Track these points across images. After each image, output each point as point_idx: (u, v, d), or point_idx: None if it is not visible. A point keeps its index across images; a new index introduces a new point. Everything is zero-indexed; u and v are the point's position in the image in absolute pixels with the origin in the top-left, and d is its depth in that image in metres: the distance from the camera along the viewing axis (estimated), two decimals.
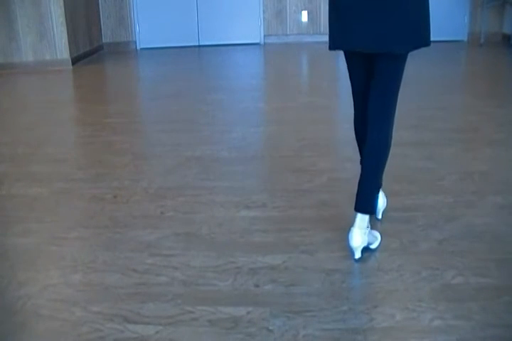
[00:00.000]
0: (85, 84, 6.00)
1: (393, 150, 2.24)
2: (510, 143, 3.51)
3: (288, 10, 8.09)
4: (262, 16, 8.11)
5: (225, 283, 2.04)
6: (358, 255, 2.17)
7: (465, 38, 7.92)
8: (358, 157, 2.40)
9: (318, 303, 1.89)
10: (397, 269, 2.09)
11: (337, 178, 3.00)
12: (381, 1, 2.00)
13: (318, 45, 7.77)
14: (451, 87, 5.29)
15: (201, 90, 5.36)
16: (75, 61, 6.86)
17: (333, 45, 2.17)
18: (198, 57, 7.65)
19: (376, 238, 2.26)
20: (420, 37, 2.08)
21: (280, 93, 5.22)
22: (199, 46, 8.18)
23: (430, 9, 2.12)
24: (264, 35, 8.19)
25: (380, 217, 2.49)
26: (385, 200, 2.51)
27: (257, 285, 2.01)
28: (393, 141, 2.22)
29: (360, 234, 2.14)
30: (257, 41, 8.19)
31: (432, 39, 2.15)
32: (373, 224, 2.27)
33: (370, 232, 2.20)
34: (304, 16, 8.10)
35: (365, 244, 2.17)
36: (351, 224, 2.15)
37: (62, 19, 6.55)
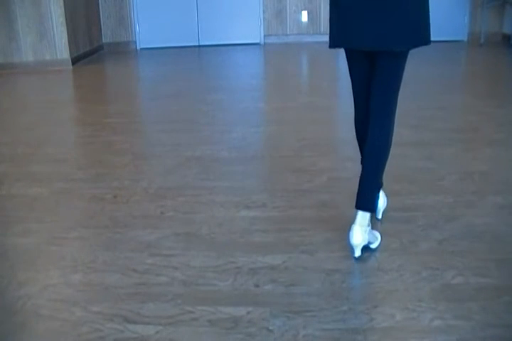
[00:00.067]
0: (85, 84, 6.00)
1: (393, 150, 2.24)
2: (510, 143, 3.51)
3: (288, 10, 8.09)
4: (262, 16, 8.11)
5: (225, 283, 2.04)
6: (357, 253, 2.17)
7: (465, 38, 7.92)
8: (358, 156, 2.40)
9: (318, 303, 1.89)
10: (397, 269, 2.09)
11: (337, 178, 3.00)
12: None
13: (318, 45, 7.77)
14: (451, 86, 5.29)
15: (201, 90, 5.36)
16: (75, 61, 6.87)
17: (334, 43, 2.18)
18: (198, 57, 7.66)
19: (376, 238, 2.26)
20: (420, 35, 2.09)
21: (280, 93, 5.22)
22: (199, 46, 8.18)
23: (430, 9, 2.12)
24: (264, 35, 8.19)
25: (380, 217, 2.49)
26: (386, 200, 2.51)
27: (257, 285, 2.01)
28: (393, 141, 2.22)
29: (361, 231, 2.14)
30: (257, 41, 8.19)
31: (432, 39, 2.15)
32: (373, 224, 2.27)
33: (370, 231, 2.20)
34: (304, 16, 8.11)
35: (365, 243, 2.17)
36: (352, 221, 2.16)
37: (62, 19, 6.55)
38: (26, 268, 2.19)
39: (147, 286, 2.03)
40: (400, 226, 2.42)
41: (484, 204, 2.63)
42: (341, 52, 2.24)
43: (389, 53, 2.09)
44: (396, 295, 1.94)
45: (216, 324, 1.80)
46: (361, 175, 2.21)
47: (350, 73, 2.28)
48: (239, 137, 3.81)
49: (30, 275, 2.13)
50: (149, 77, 6.45)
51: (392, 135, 2.20)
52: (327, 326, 1.77)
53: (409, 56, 2.14)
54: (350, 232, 2.15)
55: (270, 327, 1.78)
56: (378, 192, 2.31)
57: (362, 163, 2.29)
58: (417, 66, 5.66)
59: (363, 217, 2.16)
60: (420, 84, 5.18)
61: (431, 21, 2.13)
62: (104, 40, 8.09)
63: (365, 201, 2.18)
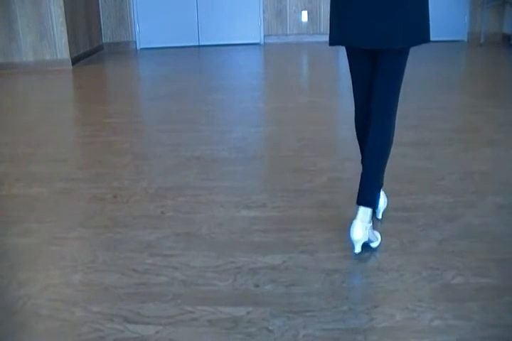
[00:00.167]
0: (85, 84, 6.00)
1: (393, 150, 2.25)
2: (510, 143, 3.51)
3: (288, 10, 8.09)
4: (262, 16, 8.11)
5: (225, 283, 2.04)
6: (358, 249, 2.17)
7: (465, 38, 7.93)
8: (358, 156, 2.40)
9: (318, 303, 1.89)
10: (397, 269, 2.09)
11: (337, 178, 3.00)
12: None
13: (318, 45, 7.78)
14: (451, 87, 5.29)
15: (201, 90, 5.36)
16: (75, 61, 6.87)
17: (334, 41, 2.18)
18: (198, 57, 7.66)
19: (376, 238, 2.26)
20: (420, 33, 2.09)
21: (280, 93, 5.22)
22: (199, 46, 8.18)
23: (430, 9, 2.13)
24: (264, 35, 8.19)
25: (380, 216, 2.49)
26: (386, 200, 2.51)
27: (257, 285, 2.01)
28: (393, 141, 2.22)
29: (362, 227, 2.14)
30: (257, 41, 8.19)
31: (431, 39, 2.15)
32: (374, 223, 2.27)
33: (371, 229, 2.20)
34: (304, 16, 8.11)
35: (365, 239, 2.17)
36: (353, 217, 2.16)
37: (62, 19, 6.55)
38: (26, 268, 2.19)
39: (147, 286, 2.03)
40: (400, 226, 2.43)
41: (484, 204, 2.63)
42: (341, 52, 2.24)
43: (390, 51, 2.09)
44: (396, 295, 1.94)
45: (216, 324, 1.80)
46: (362, 171, 2.22)
47: (350, 71, 2.28)
48: (239, 137, 3.81)
49: (30, 275, 2.13)
50: (149, 77, 6.45)
51: (393, 133, 2.21)
52: (327, 326, 1.77)
53: (409, 55, 2.15)
54: (351, 228, 2.15)
55: (270, 327, 1.78)
56: (379, 189, 2.31)
57: (362, 162, 2.29)
58: (417, 66, 5.66)
59: (364, 213, 2.16)
60: (420, 84, 5.18)
61: (431, 21, 2.14)
62: (104, 40, 8.09)
63: (367, 197, 2.19)
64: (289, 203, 2.70)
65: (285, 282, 2.03)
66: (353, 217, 2.17)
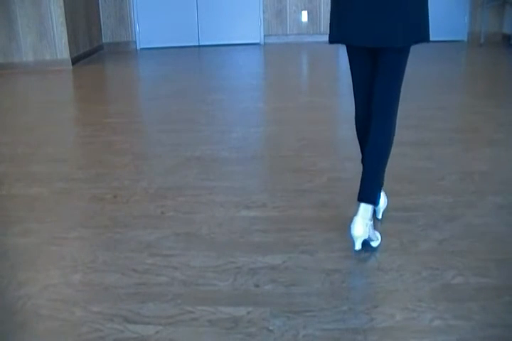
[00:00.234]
0: (85, 84, 6.00)
1: (393, 150, 2.25)
2: (510, 143, 3.51)
3: (288, 10, 8.09)
4: (262, 16, 8.11)
5: (225, 283, 2.04)
6: (358, 246, 2.18)
7: (465, 38, 7.93)
8: (358, 156, 2.40)
9: (318, 303, 1.89)
10: (397, 269, 2.09)
11: (337, 178, 3.00)
12: None
13: (318, 45, 7.78)
14: (451, 86, 5.29)
15: (201, 90, 5.36)
16: (75, 61, 6.87)
17: (334, 39, 2.18)
18: (198, 57, 7.66)
19: (377, 237, 2.26)
20: (420, 31, 2.10)
21: (280, 93, 5.22)
22: (199, 46, 8.18)
23: (430, 9, 2.13)
24: (264, 35, 8.19)
25: (380, 216, 2.49)
26: (386, 200, 2.51)
27: (257, 285, 2.01)
28: (393, 140, 2.22)
29: (363, 224, 2.15)
30: (257, 41, 8.19)
31: (431, 39, 2.16)
32: (374, 223, 2.27)
33: (372, 228, 2.20)
34: (304, 16, 8.11)
35: (366, 236, 2.17)
36: (354, 214, 2.16)
37: (62, 19, 6.55)
38: (26, 268, 2.19)
39: (147, 286, 2.03)
40: (400, 226, 2.43)
41: (484, 204, 2.63)
42: (341, 52, 2.25)
43: (390, 49, 2.10)
44: (396, 295, 1.94)
45: (216, 324, 1.80)
46: (363, 169, 2.22)
47: (351, 70, 2.28)
48: (239, 137, 3.81)
49: (30, 275, 2.13)
50: (149, 77, 6.45)
51: (394, 132, 2.21)
52: (327, 326, 1.77)
53: (409, 55, 2.15)
54: (352, 224, 2.16)
55: (270, 327, 1.78)
56: (381, 186, 2.31)
57: (362, 161, 2.30)
58: (417, 66, 5.66)
59: (365, 210, 2.17)
60: (420, 84, 5.18)
61: (431, 21, 2.14)
62: (104, 40, 8.09)
63: (368, 193, 2.19)
64: (289, 203, 2.70)
65: (285, 282, 2.03)
66: (354, 213, 2.17)
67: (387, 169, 2.26)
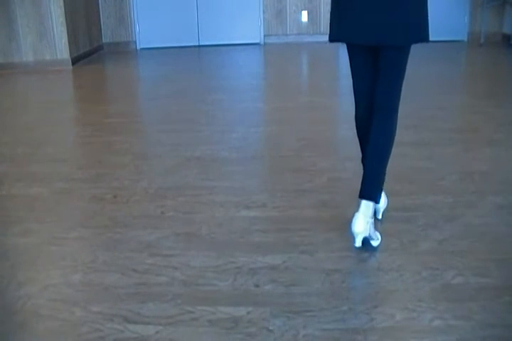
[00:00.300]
0: (85, 84, 6.00)
1: (393, 150, 2.25)
2: (510, 143, 3.51)
3: (288, 10, 8.09)
4: (262, 16, 8.11)
5: (225, 283, 2.04)
6: (358, 243, 2.18)
7: (465, 38, 7.93)
8: (358, 156, 2.40)
9: (318, 303, 1.89)
10: (397, 269, 2.09)
11: (337, 178, 3.00)
12: None
13: (318, 45, 7.78)
14: (451, 86, 5.29)
15: (201, 90, 5.36)
16: (75, 61, 6.87)
17: (334, 37, 2.19)
18: (198, 57, 7.66)
19: (377, 237, 2.26)
20: (420, 31, 2.11)
21: (280, 93, 5.22)
22: (199, 46, 8.18)
23: (430, 9, 2.14)
24: (264, 35, 8.19)
25: (380, 216, 2.49)
26: (386, 200, 2.51)
27: (257, 285, 2.01)
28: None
29: (364, 220, 2.15)
30: (257, 41, 8.19)
31: (431, 39, 2.16)
32: (374, 223, 2.27)
33: (372, 226, 2.20)
34: (304, 16, 8.11)
35: (366, 234, 2.17)
36: (355, 211, 2.16)
37: (62, 19, 6.55)
38: (26, 268, 2.19)
39: (147, 286, 2.03)
40: (400, 226, 2.43)
41: (484, 204, 2.63)
42: (341, 52, 2.25)
43: (391, 47, 2.11)
44: (396, 295, 1.94)
45: (216, 324, 1.80)
46: (365, 166, 2.23)
47: (351, 68, 2.28)
48: (239, 137, 3.81)
49: (30, 275, 2.13)
50: (149, 77, 6.45)
51: (395, 129, 2.22)
52: (327, 326, 1.77)
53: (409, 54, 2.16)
54: (353, 220, 2.16)
55: (270, 327, 1.78)
56: (382, 184, 2.30)
57: (362, 161, 2.30)
58: (417, 66, 5.65)
59: (366, 207, 2.17)
60: (420, 84, 5.18)
61: (431, 21, 2.15)
62: (104, 40, 8.09)
63: (369, 191, 2.19)
64: (289, 203, 2.70)
65: (285, 282, 2.03)
66: (355, 210, 2.17)
67: (387, 169, 2.26)
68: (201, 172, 3.17)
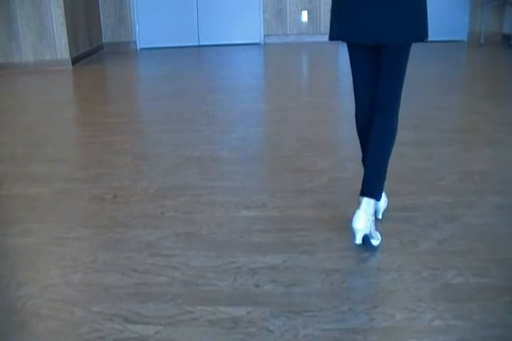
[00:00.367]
0: (85, 84, 6.00)
1: (393, 150, 2.25)
2: (510, 143, 3.51)
3: (288, 10, 8.09)
4: (262, 16, 8.11)
5: (225, 283, 2.04)
6: (359, 240, 2.17)
7: (465, 38, 7.92)
8: (358, 156, 2.40)
9: (318, 303, 1.89)
10: (397, 269, 2.09)
11: (337, 178, 3.00)
12: None
13: (318, 45, 7.78)
14: (451, 86, 5.29)
15: (201, 90, 5.36)
16: (75, 61, 6.87)
17: (334, 36, 2.19)
18: (198, 57, 7.66)
19: (378, 237, 2.26)
20: (420, 30, 2.12)
21: (280, 93, 5.22)
22: (199, 46, 8.18)
23: (430, 9, 2.14)
24: (264, 35, 8.19)
25: (380, 216, 2.49)
26: (387, 200, 2.51)
27: (257, 285, 2.01)
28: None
29: (365, 217, 2.15)
30: (257, 41, 8.19)
31: (432, 39, 2.17)
32: (375, 223, 2.27)
33: (373, 224, 2.20)
34: (304, 16, 8.11)
35: (367, 231, 2.17)
36: (356, 208, 2.17)
37: (62, 19, 6.55)
38: (26, 268, 2.19)
39: (147, 286, 2.03)
40: (400, 226, 2.42)
41: (484, 204, 2.63)
42: (341, 53, 2.25)
43: (391, 46, 2.12)
44: (396, 295, 1.94)
45: (216, 324, 1.80)
46: (366, 164, 2.23)
47: (351, 67, 2.29)
48: (239, 137, 3.81)
49: (30, 275, 2.13)
50: (149, 77, 6.45)
51: (396, 127, 2.23)
52: (327, 326, 1.77)
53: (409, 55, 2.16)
54: (354, 217, 2.16)
55: (270, 327, 1.78)
56: (383, 181, 2.30)
57: (363, 160, 2.30)
58: (417, 66, 5.65)
59: (367, 204, 2.17)
60: (420, 84, 5.18)
61: (431, 21, 2.16)
62: (104, 40, 8.09)
63: (370, 188, 2.20)
64: (289, 203, 2.70)
65: (285, 282, 2.03)
66: (356, 207, 2.17)
67: (387, 168, 2.26)
68: (201, 172, 3.17)
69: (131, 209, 2.70)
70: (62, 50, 6.67)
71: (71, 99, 5.48)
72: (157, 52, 7.87)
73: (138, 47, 8.17)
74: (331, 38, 2.21)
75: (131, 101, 5.18)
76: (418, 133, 3.72)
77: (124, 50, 8.03)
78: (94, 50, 7.69)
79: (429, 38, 2.23)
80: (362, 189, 2.20)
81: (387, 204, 2.52)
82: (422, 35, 2.12)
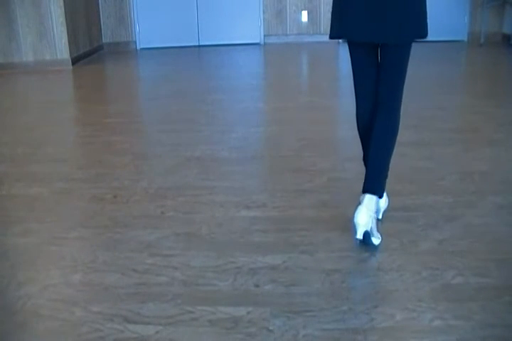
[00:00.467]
0: (85, 84, 6.00)
1: (394, 150, 2.25)
2: (510, 143, 3.51)
3: (288, 10, 8.09)
4: (262, 16, 8.11)
5: (225, 283, 2.04)
6: (360, 235, 2.17)
7: (465, 38, 7.92)
8: (359, 157, 2.40)
9: (318, 303, 1.89)
10: (397, 269, 2.09)
11: (337, 178, 3.00)
12: None
13: (318, 45, 7.78)
14: (451, 86, 5.29)
15: (201, 90, 5.36)
16: (75, 61, 6.87)
17: (335, 34, 2.20)
18: (198, 57, 7.66)
19: (378, 236, 2.26)
20: (420, 28, 2.13)
21: (280, 93, 5.22)
22: (199, 46, 8.18)
23: (430, 9, 2.15)
24: (264, 35, 8.19)
25: (380, 216, 2.49)
26: (387, 200, 2.51)
27: (257, 285, 2.01)
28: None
29: (367, 213, 2.15)
30: (257, 41, 8.19)
31: (432, 39, 2.18)
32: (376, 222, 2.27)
33: (375, 221, 2.20)
34: (304, 16, 8.11)
35: (368, 228, 2.17)
36: (358, 203, 2.17)
37: (62, 19, 6.55)
38: (26, 268, 2.19)
39: (147, 286, 2.03)
40: (400, 226, 2.42)
41: (484, 204, 2.63)
42: (342, 53, 2.25)
43: (392, 45, 2.12)
44: (396, 295, 1.94)
45: (216, 324, 1.80)
46: (368, 162, 2.23)
47: (352, 65, 2.29)
48: (239, 137, 3.81)
49: (30, 275, 2.13)
50: (149, 77, 6.45)
51: (398, 125, 2.24)
52: (327, 326, 1.77)
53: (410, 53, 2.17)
54: (356, 212, 2.16)
55: (270, 327, 1.78)
56: (385, 178, 2.30)
57: (364, 160, 2.29)
58: (417, 66, 5.64)
59: (369, 200, 2.17)
60: (420, 84, 5.18)
61: (431, 21, 2.16)
62: (104, 40, 8.09)
63: (372, 185, 2.20)
64: (289, 203, 2.70)
65: (285, 282, 2.03)
66: (358, 203, 2.18)
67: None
68: (201, 172, 3.17)
69: (131, 209, 2.70)
70: (62, 50, 6.67)
71: (71, 99, 5.48)
72: (157, 52, 7.87)
73: (138, 47, 8.17)
74: (332, 36, 2.21)
75: (131, 101, 5.18)
76: (418, 133, 3.72)
77: (124, 50, 8.03)
78: (94, 50, 7.69)
79: (429, 38, 2.23)
80: (364, 186, 2.20)
81: (388, 205, 2.52)
82: (422, 33, 2.12)
